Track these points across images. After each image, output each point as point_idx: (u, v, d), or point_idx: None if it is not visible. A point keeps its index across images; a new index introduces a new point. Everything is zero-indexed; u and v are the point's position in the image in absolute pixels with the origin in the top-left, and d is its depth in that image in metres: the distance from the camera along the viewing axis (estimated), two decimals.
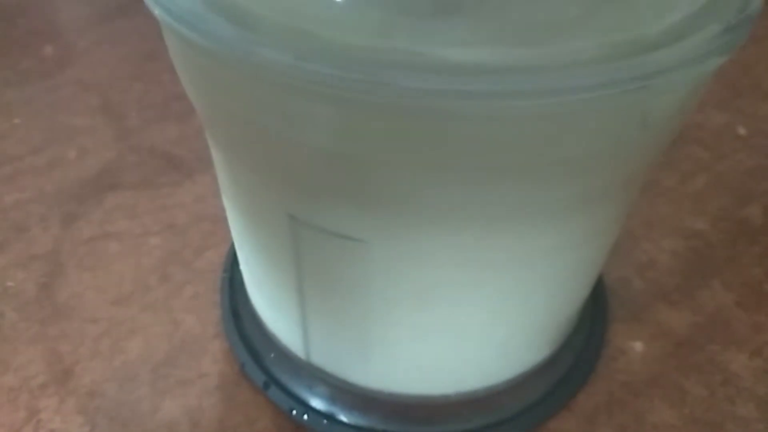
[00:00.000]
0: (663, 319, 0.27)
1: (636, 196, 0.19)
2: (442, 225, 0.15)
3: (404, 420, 0.23)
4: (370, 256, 0.16)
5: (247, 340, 0.25)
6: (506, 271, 0.17)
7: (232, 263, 0.28)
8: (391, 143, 0.13)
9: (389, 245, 0.16)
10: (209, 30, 0.12)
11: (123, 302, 0.27)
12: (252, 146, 0.16)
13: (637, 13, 0.13)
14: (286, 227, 0.17)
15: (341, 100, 0.12)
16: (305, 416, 0.23)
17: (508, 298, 0.18)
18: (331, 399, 0.23)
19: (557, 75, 0.11)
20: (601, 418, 0.23)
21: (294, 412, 0.23)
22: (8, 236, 0.30)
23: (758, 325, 0.26)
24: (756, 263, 0.29)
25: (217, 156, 0.19)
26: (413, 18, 0.12)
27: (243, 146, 0.16)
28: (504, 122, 0.12)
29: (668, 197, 0.32)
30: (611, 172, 0.15)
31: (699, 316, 0.27)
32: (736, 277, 0.28)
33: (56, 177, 0.33)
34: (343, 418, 0.23)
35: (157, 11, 0.13)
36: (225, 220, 0.22)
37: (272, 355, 0.24)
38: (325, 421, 0.22)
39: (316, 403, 0.23)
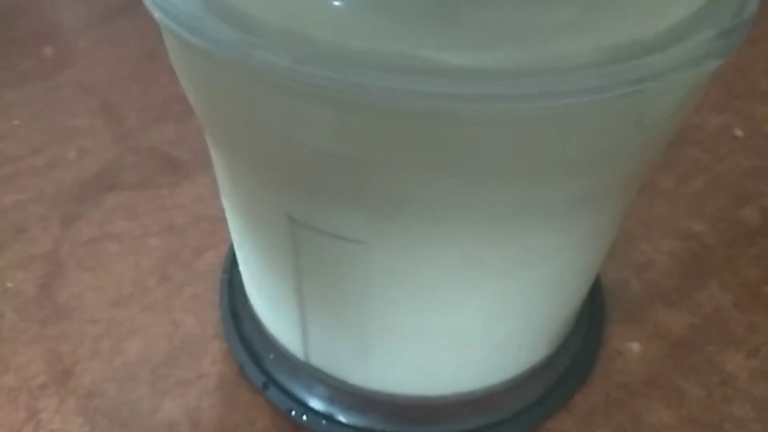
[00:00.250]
0: (660, 320, 0.27)
1: (633, 197, 0.19)
2: (440, 226, 0.15)
3: (403, 420, 0.23)
4: (369, 257, 0.16)
5: (247, 341, 0.25)
6: (504, 271, 0.17)
7: (231, 264, 0.28)
8: (390, 145, 0.13)
9: (388, 246, 0.16)
10: (209, 33, 0.13)
11: (123, 303, 0.27)
12: (251, 147, 0.16)
13: (634, 17, 0.13)
14: (286, 228, 0.17)
15: (340, 103, 0.12)
16: (304, 416, 0.23)
17: (506, 298, 0.18)
18: (330, 399, 0.23)
19: (554, 78, 0.12)
20: (599, 418, 0.24)
21: (293, 412, 0.23)
22: (8, 237, 0.30)
23: (755, 326, 0.27)
24: (753, 264, 0.29)
25: (216, 157, 0.19)
26: (411, 21, 0.12)
27: (242, 147, 0.16)
28: (502, 125, 0.13)
29: (666, 198, 0.32)
30: (609, 174, 0.16)
31: (696, 317, 0.27)
32: (734, 278, 0.28)
33: (56, 178, 0.33)
34: (342, 418, 0.23)
35: (156, 14, 0.13)
36: (224, 220, 0.22)
37: (271, 355, 0.24)
38: (324, 422, 0.23)
39: (315, 404, 0.23)
